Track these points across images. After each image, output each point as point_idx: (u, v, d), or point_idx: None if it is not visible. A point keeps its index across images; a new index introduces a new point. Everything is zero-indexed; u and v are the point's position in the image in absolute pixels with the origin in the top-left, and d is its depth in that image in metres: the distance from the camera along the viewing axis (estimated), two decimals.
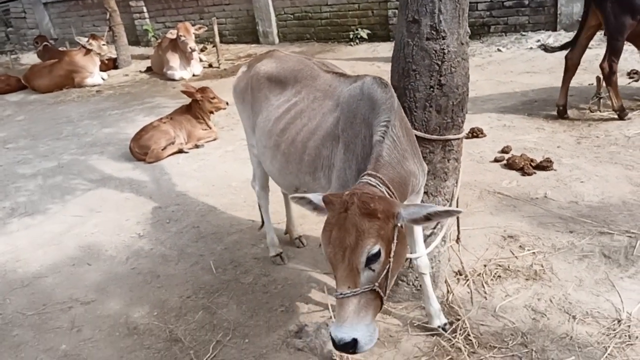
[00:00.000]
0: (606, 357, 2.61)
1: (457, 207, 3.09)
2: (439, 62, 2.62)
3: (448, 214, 2.09)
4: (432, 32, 2.56)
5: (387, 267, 1.97)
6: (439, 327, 2.91)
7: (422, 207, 2.04)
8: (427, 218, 2.01)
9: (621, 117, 5.30)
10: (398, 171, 2.30)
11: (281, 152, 2.90)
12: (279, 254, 3.73)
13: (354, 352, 1.94)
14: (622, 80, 5.95)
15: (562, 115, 5.59)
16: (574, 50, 5.62)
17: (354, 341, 1.89)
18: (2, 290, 3.76)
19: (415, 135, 2.77)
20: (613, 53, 5.27)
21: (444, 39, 2.58)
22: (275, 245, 3.75)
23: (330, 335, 1.94)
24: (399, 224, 1.98)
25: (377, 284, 1.95)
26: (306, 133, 2.76)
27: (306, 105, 2.84)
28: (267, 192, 3.70)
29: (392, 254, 1.97)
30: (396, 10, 9.88)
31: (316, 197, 2.12)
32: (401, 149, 2.37)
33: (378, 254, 1.93)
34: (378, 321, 2.97)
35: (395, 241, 1.97)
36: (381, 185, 2.12)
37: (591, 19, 5.40)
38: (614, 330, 2.76)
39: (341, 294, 1.93)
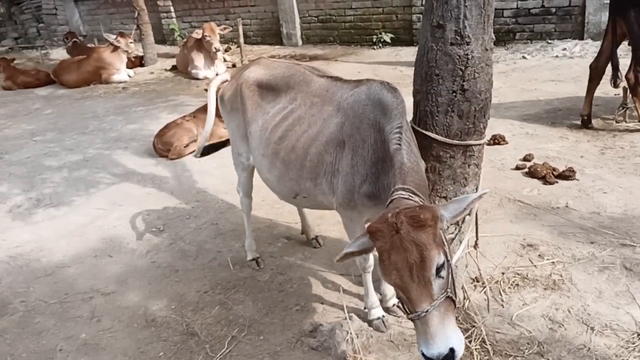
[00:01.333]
0: None
1: (476, 214, 3.09)
2: (463, 68, 2.62)
3: (480, 198, 2.05)
4: (457, 37, 2.56)
5: (450, 269, 1.96)
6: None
7: (458, 202, 2.01)
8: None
9: None
10: (419, 174, 2.33)
11: (280, 159, 2.91)
12: (255, 258, 3.75)
13: None
14: None
15: (586, 124, 5.52)
16: (599, 59, 5.54)
17: (451, 351, 1.85)
18: (26, 278, 3.85)
19: (436, 140, 2.79)
20: (639, 64, 5.19)
21: (468, 44, 2.58)
22: (253, 250, 3.78)
23: (424, 355, 1.88)
24: (444, 226, 1.97)
25: (448, 289, 1.93)
26: (307, 139, 2.76)
27: (304, 112, 2.84)
28: (250, 200, 3.74)
29: (449, 256, 1.96)
30: (420, 15, 9.87)
31: (360, 243, 2.02)
32: (415, 152, 2.42)
33: (443, 263, 1.91)
34: (393, 324, 3.01)
35: (446, 243, 1.96)
36: (413, 195, 2.12)
37: (616, 29, 5.33)
38: (634, 343, 2.72)
39: (423, 312, 1.87)
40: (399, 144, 2.32)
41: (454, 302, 1.97)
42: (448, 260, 1.94)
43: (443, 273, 1.92)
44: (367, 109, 2.53)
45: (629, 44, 5.37)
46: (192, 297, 3.47)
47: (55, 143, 6.94)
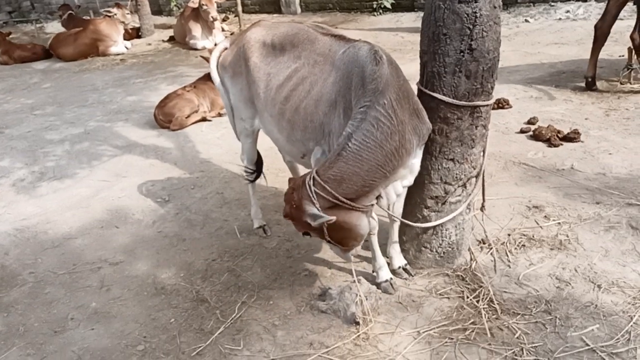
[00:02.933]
0: (631, 325, 2.60)
1: (483, 175, 3.08)
2: (471, 26, 2.57)
3: (326, 218, 2.44)
4: None
5: (325, 239, 2.60)
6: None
7: (314, 217, 2.43)
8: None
9: None
10: (365, 157, 2.41)
11: (286, 119, 2.90)
12: (262, 226, 3.77)
13: None
14: None
15: (590, 87, 5.46)
16: (604, 19, 5.43)
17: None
18: (34, 250, 3.87)
19: (444, 101, 2.76)
20: None
21: (476, 1, 2.52)
22: (259, 218, 3.79)
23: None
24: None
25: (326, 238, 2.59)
26: (309, 100, 2.75)
27: (308, 71, 2.82)
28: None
29: (325, 236, 2.54)
30: None
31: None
32: (391, 125, 2.41)
33: (307, 234, 2.64)
34: (401, 286, 3.03)
35: (325, 230, 2.49)
36: (316, 186, 2.42)
37: None
38: None
39: None
40: (354, 129, 2.41)
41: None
42: (323, 237, 2.58)
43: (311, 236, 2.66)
44: (355, 71, 2.52)
45: (634, 4, 5.28)
46: (200, 265, 3.50)
47: (56, 116, 6.89)
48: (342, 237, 2.58)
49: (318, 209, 2.41)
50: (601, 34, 5.45)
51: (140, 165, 5.12)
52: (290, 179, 2.65)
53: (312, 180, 2.43)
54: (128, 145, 5.63)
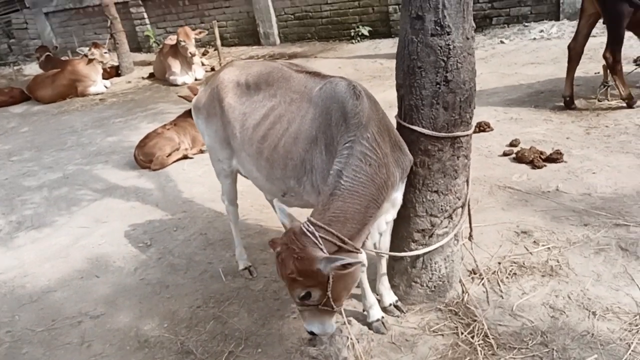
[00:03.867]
0: (630, 353, 2.54)
1: (468, 204, 3.03)
2: (445, 58, 2.54)
3: (354, 261, 2.26)
4: (437, 27, 2.49)
5: (326, 297, 2.31)
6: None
7: (331, 261, 2.21)
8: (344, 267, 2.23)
9: (630, 105, 5.20)
10: (360, 192, 2.35)
11: (265, 158, 2.84)
12: (248, 267, 3.67)
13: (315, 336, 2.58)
14: (628, 68, 5.85)
15: (569, 105, 5.49)
16: (577, 39, 5.51)
17: (312, 332, 2.51)
18: (11, 306, 3.72)
19: (423, 134, 2.72)
20: (614, 42, 5.14)
21: (449, 34, 2.50)
22: (244, 259, 3.70)
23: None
24: (326, 271, 2.22)
25: (319, 306, 2.36)
26: (288, 138, 2.71)
27: (284, 109, 2.78)
28: (236, 207, 3.66)
29: (328, 289, 2.28)
30: (397, 6, 9.81)
31: (282, 214, 2.46)
32: (376, 159, 2.38)
33: (308, 295, 2.33)
34: (393, 325, 2.94)
35: (330, 281, 2.25)
36: (318, 231, 2.26)
37: (589, 7, 5.29)
38: (637, 325, 2.69)
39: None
40: (343, 166, 2.34)
41: (329, 310, 2.40)
42: (325, 293, 2.30)
43: (310, 299, 2.34)
44: (335, 107, 2.49)
45: (603, 22, 5.34)
46: (184, 313, 3.38)
47: (34, 162, 6.77)
48: (344, 286, 2.37)
49: (327, 254, 2.25)
50: (575, 54, 5.51)
51: (120, 209, 5.01)
52: (271, 241, 2.39)
53: (310, 227, 2.27)
54: (108, 188, 5.52)
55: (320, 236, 2.25)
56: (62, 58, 11.86)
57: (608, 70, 5.33)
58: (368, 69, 8.39)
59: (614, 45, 5.15)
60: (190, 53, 9.41)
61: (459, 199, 2.96)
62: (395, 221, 2.87)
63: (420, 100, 2.67)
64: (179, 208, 4.86)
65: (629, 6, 4.92)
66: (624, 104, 5.23)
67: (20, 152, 7.32)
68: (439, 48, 2.53)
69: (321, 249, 2.23)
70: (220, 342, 3.07)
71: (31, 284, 3.96)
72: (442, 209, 2.91)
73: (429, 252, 2.95)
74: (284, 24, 11.39)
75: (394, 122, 2.78)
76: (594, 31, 5.63)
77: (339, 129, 2.44)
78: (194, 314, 3.35)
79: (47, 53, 11.76)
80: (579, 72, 5.66)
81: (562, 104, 5.56)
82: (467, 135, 2.81)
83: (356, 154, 2.34)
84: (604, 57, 5.24)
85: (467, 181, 2.97)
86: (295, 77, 2.83)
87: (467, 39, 2.56)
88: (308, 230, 2.25)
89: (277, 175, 2.83)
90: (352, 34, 10.42)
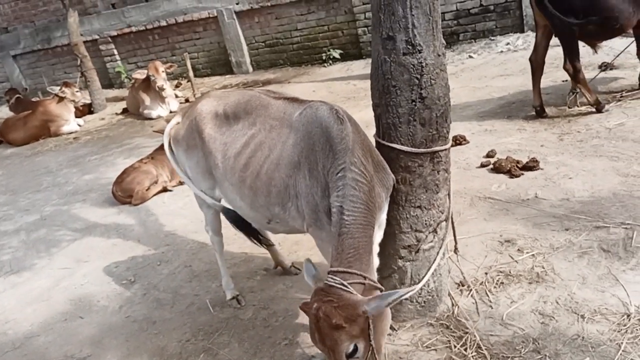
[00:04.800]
0: (621, 354, 2.56)
1: (451, 217, 3.06)
2: (418, 76, 2.59)
3: (406, 293, 2.21)
4: (408, 46, 2.54)
5: (370, 347, 2.17)
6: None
7: (385, 298, 2.14)
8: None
9: (599, 110, 5.34)
10: (362, 222, 2.34)
11: (247, 186, 2.83)
12: (235, 296, 3.63)
13: None
14: (594, 73, 6.03)
15: (540, 114, 5.62)
16: (537, 52, 5.66)
17: None
18: None
19: (403, 151, 2.75)
20: (570, 53, 5.28)
21: (420, 52, 2.56)
22: (231, 288, 3.66)
23: None
24: (369, 315, 2.12)
25: None
26: (270, 165, 2.71)
27: (264, 136, 2.79)
28: (221, 237, 3.62)
29: (371, 337, 2.15)
30: (366, 29, 10.00)
31: (311, 276, 2.41)
32: (367, 182, 2.39)
33: (355, 349, 2.14)
34: (386, 343, 2.92)
35: (371, 326, 2.14)
36: (345, 278, 2.20)
37: (540, 20, 5.46)
38: (625, 325, 2.72)
39: None
40: (342, 199, 2.32)
41: None
42: (368, 343, 2.16)
43: (357, 355, 2.15)
44: (318, 132, 2.50)
45: (555, 36, 5.49)
46: (174, 348, 3.31)
47: (9, 205, 6.63)
48: (382, 330, 2.30)
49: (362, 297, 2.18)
50: (537, 66, 5.66)
51: (102, 247, 4.92)
52: (303, 304, 2.21)
53: (336, 277, 2.20)
54: (88, 227, 5.43)
55: (349, 282, 2.19)
56: (33, 99, 11.74)
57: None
58: (342, 90, 8.49)
59: (570, 56, 5.29)
60: (158, 87, 9.36)
61: (442, 213, 2.98)
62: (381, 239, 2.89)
63: (397, 118, 2.71)
64: (161, 242, 4.80)
65: (575, 19, 5.03)
66: (594, 110, 5.37)
67: None
68: (411, 66, 2.58)
69: (354, 294, 2.17)
70: None
71: (13, 330, 3.85)
72: (426, 224, 2.93)
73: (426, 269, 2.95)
74: (255, 52, 11.49)
75: (372, 141, 2.81)
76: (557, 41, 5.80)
77: (325, 154, 2.45)
78: (184, 348, 3.28)
79: (17, 95, 11.62)
80: (547, 81, 5.83)
81: (534, 113, 5.69)
82: (446, 149, 2.85)
83: (349, 182, 2.34)
84: (565, 69, 5.39)
85: (449, 194, 3.01)
86: (274, 104, 2.85)
87: (439, 55, 2.62)
88: (335, 281, 2.19)
89: (261, 202, 2.82)
90: (324, 57, 10.55)
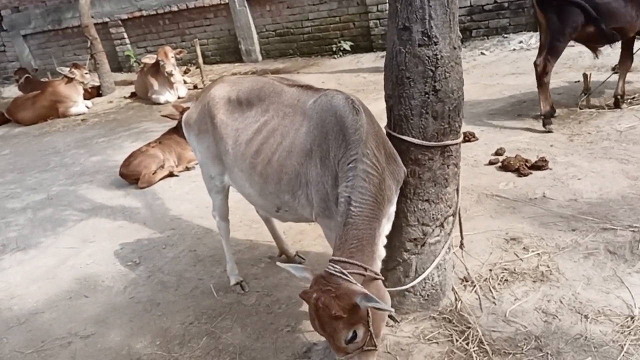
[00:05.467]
0: (623, 355, 2.56)
1: (459, 212, 3.06)
2: (433, 68, 2.58)
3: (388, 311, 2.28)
4: (424, 38, 2.53)
5: (369, 333, 2.21)
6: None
7: (378, 302, 2.14)
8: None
9: (545, 124, 5.24)
10: (369, 215, 2.35)
11: (258, 173, 2.83)
12: (239, 282, 3.65)
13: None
14: (605, 76, 5.98)
15: (547, 124, 5.48)
16: (541, 53, 5.44)
17: None
18: None
19: (413, 143, 2.75)
20: (550, 52, 5.17)
21: (436, 44, 2.55)
22: (235, 274, 3.67)
23: None
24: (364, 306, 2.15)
25: (364, 347, 2.22)
26: (282, 152, 2.70)
27: (277, 123, 2.78)
28: (228, 223, 3.63)
29: (370, 325, 2.19)
30: (377, 21, 9.95)
31: (299, 272, 2.38)
32: (377, 175, 2.39)
33: (354, 336, 2.19)
34: (388, 334, 2.94)
35: (369, 315, 2.17)
36: (344, 267, 2.22)
37: (543, 22, 5.32)
38: (628, 327, 2.72)
39: None
40: (350, 190, 2.33)
41: (373, 349, 2.27)
42: (367, 330, 2.20)
43: (357, 341, 2.20)
44: (332, 120, 2.49)
45: (548, 32, 5.37)
46: (177, 330, 3.33)
47: (17, 184, 6.67)
48: (381, 317, 2.32)
49: (361, 287, 2.19)
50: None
51: (107, 228, 4.95)
52: (303, 293, 2.22)
53: (336, 266, 2.22)
54: (94, 208, 5.46)
55: (349, 272, 2.21)
56: (42, 80, 11.76)
57: (589, 78, 5.42)
58: (351, 82, 8.47)
59: (549, 56, 5.17)
60: (167, 72, 9.37)
61: (450, 208, 2.98)
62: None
63: (410, 110, 2.70)
64: (167, 226, 4.82)
65: (575, 22, 4.93)
66: (606, 110, 5.31)
67: (2, 174, 7.21)
68: (426, 58, 2.57)
69: (355, 283, 2.19)
70: (214, 357, 3.03)
71: (18, 306, 3.88)
72: (433, 218, 2.93)
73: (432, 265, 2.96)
74: (265, 41, 11.47)
75: None
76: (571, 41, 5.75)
77: (338, 144, 2.44)
78: (187, 331, 3.30)
79: (27, 75, 11.66)
80: (559, 81, 5.79)
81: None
82: (457, 143, 2.84)
83: (360, 174, 2.34)
84: (535, 64, 5.26)
85: (458, 190, 3.00)
86: (287, 91, 2.84)
87: (454, 48, 2.61)
88: (335, 270, 2.21)
89: (270, 189, 2.82)
90: (334, 49, 10.52)
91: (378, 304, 2.11)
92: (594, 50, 5.59)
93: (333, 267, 2.22)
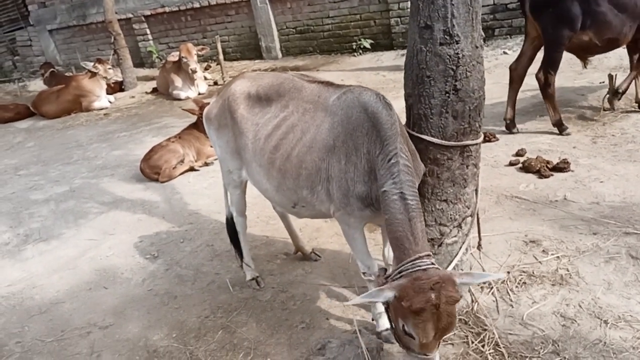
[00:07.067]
0: None
1: (477, 213, 3.04)
2: (454, 67, 2.57)
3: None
4: (446, 36, 2.52)
5: None
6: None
7: (475, 277, 2.30)
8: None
9: (560, 131, 5.15)
10: (420, 207, 2.38)
11: (276, 168, 2.84)
12: (255, 277, 3.66)
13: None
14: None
15: (510, 129, 5.41)
16: (519, 61, 5.42)
17: None
18: (20, 317, 3.72)
19: (432, 143, 2.74)
20: (550, 64, 5.09)
21: (457, 43, 2.53)
22: (251, 270, 3.68)
23: None
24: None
25: None
26: (302, 147, 2.71)
27: (297, 119, 2.78)
28: (245, 219, 3.64)
29: None
30: (398, 19, 9.90)
31: (384, 297, 2.21)
32: (412, 169, 2.41)
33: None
34: None
35: None
36: (430, 258, 2.24)
37: (532, 31, 5.22)
38: None
39: (433, 357, 2.25)
40: (402, 193, 2.32)
41: None
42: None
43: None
44: (361, 116, 2.48)
45: (543, 44, 5.27)
46: (193, 323, 3.37)
47: (40, 176, 6.79)
48: None
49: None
50: (516, 75, 5.43)
51: (127, 221, 5.01)
52: (413, 308, 2.13)
53: (425, 260, 2.22)
54: (115, 201, 5.54)
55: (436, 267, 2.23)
56: (67, 74, 11.95)
57: (614, 79, 5.33)
58: (371, 81, 8.44)
59: (548, 68, 5.09)
60: (191, 70, 9.47)
61: (468, 208, 2.96)
62: None
63: (430, 109, 2.69)
64: (185, 220, 4.86)
65: (569, 30, 4.84)
66: (631, 113, 5.22)
67: (26, 166, 7.35)
68: (447, 57, 2.55)
69: (443, 271, 2.24)
70: (229, 351, 3.06)
71: (40, 295, 3.96)
72: (451, 218, 2.92)
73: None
74: (285, 38, 11.49)
75: None
76: None
77: (371, 139, 2.44)
78: (203, 324, 3.34)
79: (52, 69, 11.86)
80: (583, 82, 5.68)
81: (568, 113, 5.55)
82: (477, 144, 2.83)
83: (403, 168, 2.36)
84: (537, 78, 5.19)
85: (476, 190, 2.98)
86: (308, 87, 2.84)
87: (476, 47, 2.59)
88: (428, 264, 2.20)
89: (288, 185, 2.83)
90: (354, 46, 10.50)
91: (477, 280, 2.29)
92: (584, 60, 5.48)
93: (425, 262, 2.22)
